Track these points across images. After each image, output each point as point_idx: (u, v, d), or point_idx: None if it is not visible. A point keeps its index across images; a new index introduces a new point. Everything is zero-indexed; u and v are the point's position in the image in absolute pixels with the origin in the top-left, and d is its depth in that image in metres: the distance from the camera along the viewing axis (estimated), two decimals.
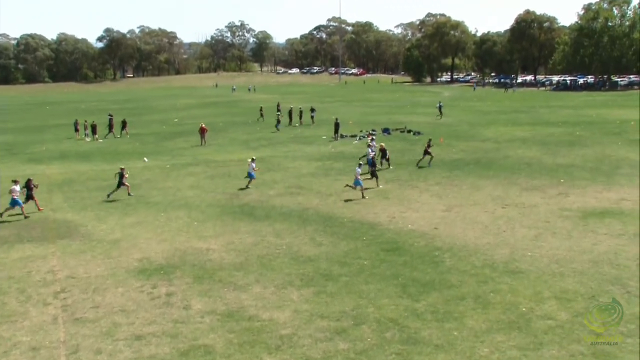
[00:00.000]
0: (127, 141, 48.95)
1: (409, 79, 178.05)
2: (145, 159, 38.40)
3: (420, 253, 18.54)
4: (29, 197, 25.01)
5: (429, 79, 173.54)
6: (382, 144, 33.94)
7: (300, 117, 57.46)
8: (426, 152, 33.51)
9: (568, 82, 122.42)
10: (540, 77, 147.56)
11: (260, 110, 62.37)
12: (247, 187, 28.80)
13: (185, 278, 16.93)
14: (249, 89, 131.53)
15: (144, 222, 23.18)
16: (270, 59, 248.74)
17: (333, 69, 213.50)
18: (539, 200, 24.84)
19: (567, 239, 19.55)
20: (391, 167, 32.38)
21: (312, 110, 58.83)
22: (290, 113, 57.73)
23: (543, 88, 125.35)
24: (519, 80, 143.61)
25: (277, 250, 19.28)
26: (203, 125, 45.67)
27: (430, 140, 34.97)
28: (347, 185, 27.22)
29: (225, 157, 38.62)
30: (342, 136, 46.79)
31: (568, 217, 22.17)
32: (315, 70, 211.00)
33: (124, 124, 52.88)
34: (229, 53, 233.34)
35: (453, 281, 16.08)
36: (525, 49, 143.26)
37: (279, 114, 56.61)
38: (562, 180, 28.62)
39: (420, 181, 29.45)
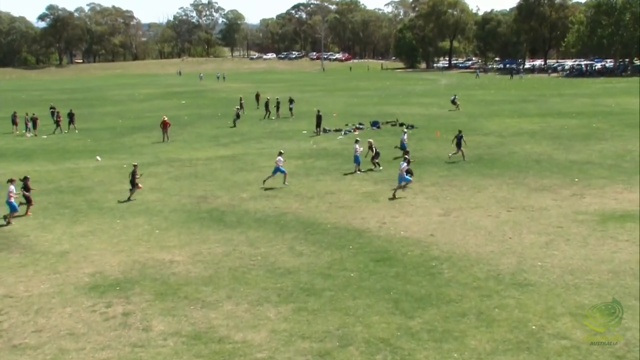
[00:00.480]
0: (76, 137, 48.56)
1: (401, 64, 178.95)
2: (98, 157, 38.08)
3: (415, 263, 18.58)
4: (27, 199, 25.22)
5: (424, 65, 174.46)
6: (371, 140, 33.97)
7: (278, 109, 57.47)
8: (459, 145, 34.02)
9: (583, 67, 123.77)
10: (551, 62, 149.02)
11: (240, 101, 61.98)
12: (284, 183, 29.40)
13: (145, 295, 16.80)
14: (218, 77, 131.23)
15: (97, 230, 22.99)
16: (243, 43, 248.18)
17: (314, 53, 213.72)
18: (550, 203, 25.04)
19: (582, 246, 19.72)
20: (380, 168, 32.28)
21: (291, 101, 58.82)
22: (266, 105, 57.70)
23: (555, 74, 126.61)
24: (527, 65, 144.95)
25: (251, 261, 19.21)
26: (165, 119, 45.49)
27: (460, 132, 35.01)
28: (397, 190, 26.81)
29: (191, 155, 38.47)
30: (325, 130, 46.83)
31: (583, 221, 22.37)
32: (294, 56, 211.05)
33: (71, 117, 52.40)
34: (195, 36, 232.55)
35: (452, 295, 16.13)
36: (534, 29, 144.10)
37: (238, 108, 55.98)
38: (576, 180, 28.88)
39: (414, 181, 29.49)
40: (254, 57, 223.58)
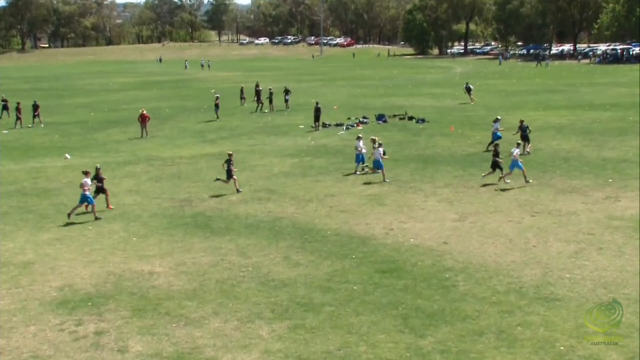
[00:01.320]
0: (42, 132, 48.56)
1: (410, 50, 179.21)
2: (67, 155, 38.08)
3: (426, 275, 18.59)
4: (100, 190, 26.41)
5: (436, 51, 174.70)
6: (374, 137, 33.87)
7: (271, 100, 57.51)
8: (525, 137, 34.47)
9: (618, 52, 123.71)
10: (581, 47, 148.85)
11: (241, 91, 61.52)
12: (384, 180, 29.71)
13: (120, 311, 16.79)
14: (202, 65, 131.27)
15: (66, 238, 22.97)
16: (231, 26, 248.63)
17: (312, 38, 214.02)
18: (580, 207, 25.06)
19: (617, 256, 19.73)
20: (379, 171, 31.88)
21: (287, 91, 58.86)
22: (258, 96, 57.77)
23: (585, 60, 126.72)
24: (554, 50, 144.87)
25: (241, 272, 19.20)
26: (144, 112, 45.49)
27: (522, 122, 35.45)
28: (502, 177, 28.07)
29: (173, 153, 38.48)
30: (324, 125, 46.87)
31: (618, 227, 22.38)
32: (289, 40, 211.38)
33: (35, 109, 52.37)
34: (177, 17, 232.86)
35: (469, 311, 16.14)
36: (561, 9, 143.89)
37: (217, 96, 54.61)
38: (610, 180, 28.91)
39: (425, 182, 29.58)
40: (245, 42, 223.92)
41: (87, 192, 25.18)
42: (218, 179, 29.08)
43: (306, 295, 17.41)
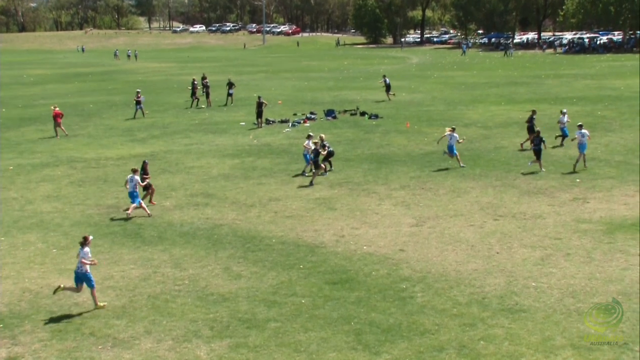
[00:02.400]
0: None
1: (362, 39, 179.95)
2: None
3: (381, 286, 18.69)
4: (146, 188, 27.51)
5: (390, 40, 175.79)
6: (322, 135, 33.96)
7: (207, 95, 57.18)
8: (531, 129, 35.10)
9: (586, 41, 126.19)
10: (546, 35, 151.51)
11: (193, 85, 58.61)
12: (460, 166, 31.88)
13: (38, 333, 16.51)
14: (128, 55, 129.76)
15: None
16: (163, 12, 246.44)
17: (254, 25, 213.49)
18: (546, 209, 25.49)
19: (585, 262, 20.11)
20: (326, 174, 31.90)
21: (230, 85, 58.64)
22: (193, 89, 57.36)
23: (550, 50, 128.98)
24: (516, 39, 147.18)
25: (176, 286, 19.07)
26: (56, 109, 44.67)
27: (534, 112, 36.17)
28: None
29: (98, 154, 38.00)
30: (268, 122, 46.79)
31: (587, 231, 22.83)
32: (228, 28, 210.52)
33: None
34: (101, 2, 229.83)
35: (427, 325, 16.28)
36: None
37: (138, 96, 53.41)
38: (577, 180, 29.46)
39: (379, 184, 29.74)
40: (178, 29, 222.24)
41: (137, 191, 26.27)
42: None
43: (249, 310, 17.36)
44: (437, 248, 21.57)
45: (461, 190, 28.40)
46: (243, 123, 47.25)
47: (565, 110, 38.14)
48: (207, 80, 59.09)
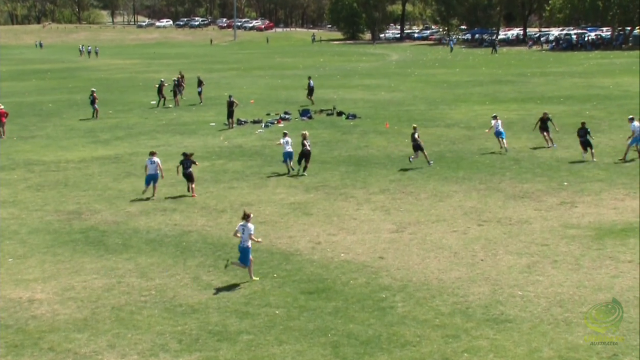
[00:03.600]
0: None
1: (339, 35, 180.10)
2: None
3: (359, 295, 18.71)
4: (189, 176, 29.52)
5: (368, 36, 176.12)
6: (305, 132, 34.03)
7: (175, 93, 57.01)
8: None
9: (573, 37, 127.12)
10: (532, 31, 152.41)
11: (160, 85, 57.65)
12: (504, 148, 34.56)
13: None
14: (89, 51, 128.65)
15: None
16: (127, 5, 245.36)
17: (224, 20, 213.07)
18: (533, 214, 25.64)
19: (574, 269, 20.24)
20: (304, 173, 32.24)
21: (199, 82, 58.57)
22: (160, 88, 57.15)
23: (536, 47, 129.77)
24: (501, 35, 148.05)
25: (142, 297, 18.98)
26: (1, 108, 44.28)
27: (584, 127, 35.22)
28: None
29: (58, 156, 37.77)
30: (239, 122, 46.74)
31: (575, 237, 22.98)
32: (197, 23, 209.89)
33: None
34: None
35: (408, 336, 16.31)
36: None
37: (92, 95, 52.35)
38: (565, 184, 29.67)
39: (357, 188, 29.78)
40: (143, 24, 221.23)
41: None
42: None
43: (219, 322, 17.32)
44: (418, 255, 21.63)
45: (443, 194, 28.51)
46: (213, 124, 47.15)
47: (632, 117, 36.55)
48: (178, 78, 59.03)
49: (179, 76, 60.94)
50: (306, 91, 56.21)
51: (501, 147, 36.09)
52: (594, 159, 32.92)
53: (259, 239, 20.63)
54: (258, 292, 19.09)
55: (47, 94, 66.31)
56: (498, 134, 36.22)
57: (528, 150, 36.44)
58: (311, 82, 55.91)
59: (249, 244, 19.80)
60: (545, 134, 36.69)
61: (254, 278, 19.87)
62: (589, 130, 33.41)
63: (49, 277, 20.56)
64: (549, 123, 36.66)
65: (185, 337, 16.54)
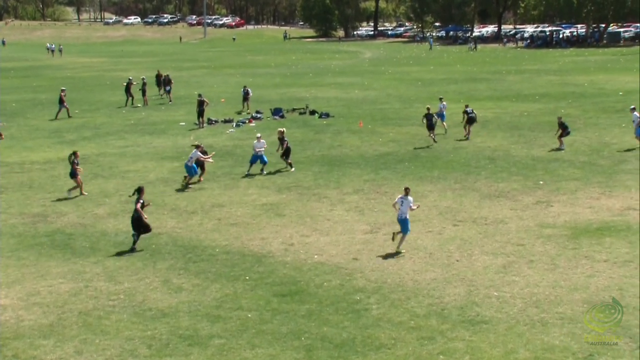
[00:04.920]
0: None
1: (311, 32, 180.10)
2: None
3: (333, 298, 18.73)
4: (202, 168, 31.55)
5: (341, 33, 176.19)
6: (281, 129, 34.20)
7: (144, 92, 56.76)
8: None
9: (547, 34, 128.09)
10: (506, 28, 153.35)
11: (128, 84, 57.06)
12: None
13: None
14: (52, 50, 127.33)
15: None
16: (94, 1, 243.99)
17: (194, 17, 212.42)
18: (508, 213, 25.80)
19: (549, 269, 20.40)
20: (292, 169, 32.70)
21: (168, 81, 58.35)
22: (127, 87, 56.84)
23: (511, 44, 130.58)
24: (475, 32, 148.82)
25: (110, 301, 18.89)
26: None
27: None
28: None
29: (22, 157, 37.46)
30: (210, 122, 46.60)
31: (551, 237, 23.15)
32: (165, 20, 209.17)
33: None
34: None
35: (383, 339, 16.36)
36: None
37: (63, 90, 52.08)
38: (541, 182, 29.87)
39: (330, 188, 29.81)
40: (110, 21, 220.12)
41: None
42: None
43: (190, 326, 17.27)
44: (393, 256, 21.69)
45: (418, 194, 28.57)
46: (183, 123, 46.99)
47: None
48: (144, 78, 58.80)
49: (165, 75, 60.63)
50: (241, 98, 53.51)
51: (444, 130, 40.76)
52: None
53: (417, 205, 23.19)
54: (230, 295, 19.06)
55: (10, 93, 65.68)
56: (440, 116, 40.82)
57: (503, 148, 36.63)
58: (245, 89, 52.98)
59: (407, 215, 22.17)
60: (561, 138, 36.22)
61: (401, 250, 21.98)
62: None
63: (13, 282, 20.39)
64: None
65: (155, 342, 16.48)
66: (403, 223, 22.15)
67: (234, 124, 46.13)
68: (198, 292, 19.37)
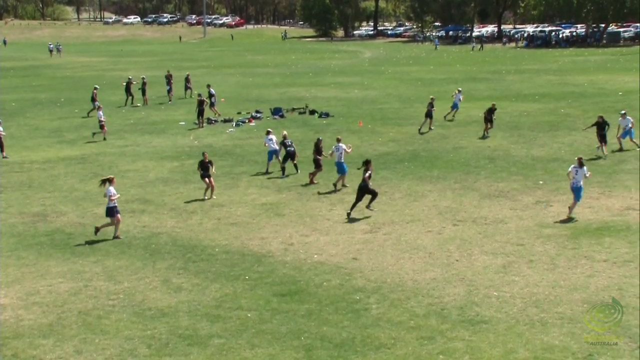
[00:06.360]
0: None
1: (311, 32, 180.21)
2: None
3: (333, 297, 18.74)
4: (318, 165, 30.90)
5: (341, 32, 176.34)
6: (284, 132, 34.27)
7: (144, 92, 56.75)
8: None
9: (547, 34, 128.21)
10: (506, 28, 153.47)
11: (128, 84, 57.03)
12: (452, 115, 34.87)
13: None
14: (50, 49, 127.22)
15: None
16: (93, 1, 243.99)
17: (194, 17, 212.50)
18: (508, 213, 25.81)
19: (549, 269, 20.41)
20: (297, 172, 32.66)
21: (169, 79, 58.37)
22: (127, 86, 56.84)
23: (511, 44, 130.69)
24: (475, 32, 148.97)
25: (110, 301, 18.89)
26: None
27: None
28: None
29: (22, 157, 37.47)
30: (209, 121, 46.59)
31: (551, 237, 23.16)
32: (165, 19, 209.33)
33: None
34: None
35: (383, 339, 16.36)
36: None
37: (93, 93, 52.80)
38: (541, 182, 29.88)
39: (330, 187, 29.79)
40: (110, 21, 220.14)
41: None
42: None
43: (190, 325, 17.28)
44: (392, 256, 21.70)
45: (418, 193, 28.61)
46: (183, 122, 47.00)
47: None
48: (144, 78, 58.82)
49: (168, 74, 60.63)
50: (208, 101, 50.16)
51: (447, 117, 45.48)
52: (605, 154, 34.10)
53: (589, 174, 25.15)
54: (229, 294, 19.07)
55: (10, 92, 65.68)
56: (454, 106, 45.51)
57: (503, 148, 36.64)
58: (211, 90, 50.94)
59: (582, 183, 24.89)
60: (602, 143, 34.84)
61: (573, 216, 24.68)
62: (608, 123, 34.52)
63: (13, 282, 20.40)
64: (607, 128, 35.08)
65: (155, 342, 16.48)
66: (577, 191, 24.75)
67: (234, 123, 46.13)
68: (198, 291, 19.38)
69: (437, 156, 35.27)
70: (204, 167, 28.53)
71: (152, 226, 25.31)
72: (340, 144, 29.86)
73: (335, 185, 29.65)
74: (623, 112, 36.23)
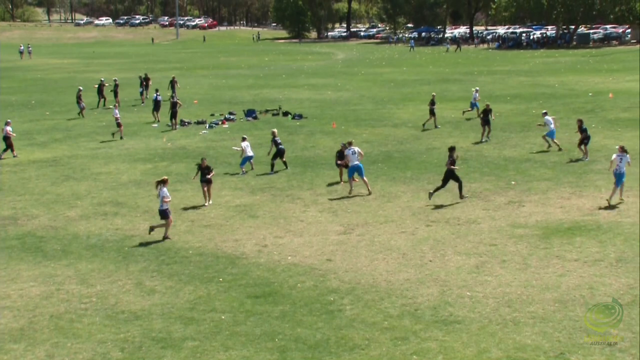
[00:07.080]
0: None
1: (283, 33, 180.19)
2: None
3: (307, 299, 18.75)
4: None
5: (314, 34, 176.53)
6: (274, 130, 34.33)
7: (116, 94, 56.47)
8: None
9: (518, 36, 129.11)
10: (478, 29, 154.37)
11: (100, 86, 57.02)
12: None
13: None
14: (21, 51, 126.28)
15: None
16: (64, 2, 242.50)
17: (166, 18, 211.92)
18: (481, 213, 25.94)
19: (521, 269, 20.53)
20: (288, 169, 32.90)
21: (144, 80, 58.15)
22: (100, 89, 56.55)
23: (483, 45, 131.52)
24: (447, 33, 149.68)
25: (82, 304, 18.79)
26: None
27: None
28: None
29: None
30: (183, 123, 46.46)
31: (523, 237, 23.30)
32: (137, 21, 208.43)
33: None
34: None
35: (357, 340, 16.39)
36: None
37: (78, 94, 52.74)
38: (513, 183, 30.05)
39: (304, 189, 29.82)
40: (82, 22, 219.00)
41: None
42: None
43: (163, 328, 17.22)
44: (366, 257, 21.73)
45: (391, 194, 28.69)
46: (155, 125, 46.83)
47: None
48: (116, 80, 58.58)
49: (144, 76, 60.45)
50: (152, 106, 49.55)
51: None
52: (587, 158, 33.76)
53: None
54: (203, 297, 19.03)
55: None
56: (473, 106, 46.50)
57: (475, 149, 36.82)
58: (157, 96, 48.98)
59: (624, 169, 26.08)
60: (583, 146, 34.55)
61: (621, 199, 26.45)
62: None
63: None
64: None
65: (128, 345, 16.42)
66: (619, 177, 26.01)
67: (207, 125, 46.01)
68: (171, 294, 19.32)
69: (410, 157, 35.38)
70: (203, 172, 28.18)
71: (124, 229, 25.21)
72: (354, 147, 29.22)
73: (349, 187, 29.32)
74: (544, 111, 38.23)
